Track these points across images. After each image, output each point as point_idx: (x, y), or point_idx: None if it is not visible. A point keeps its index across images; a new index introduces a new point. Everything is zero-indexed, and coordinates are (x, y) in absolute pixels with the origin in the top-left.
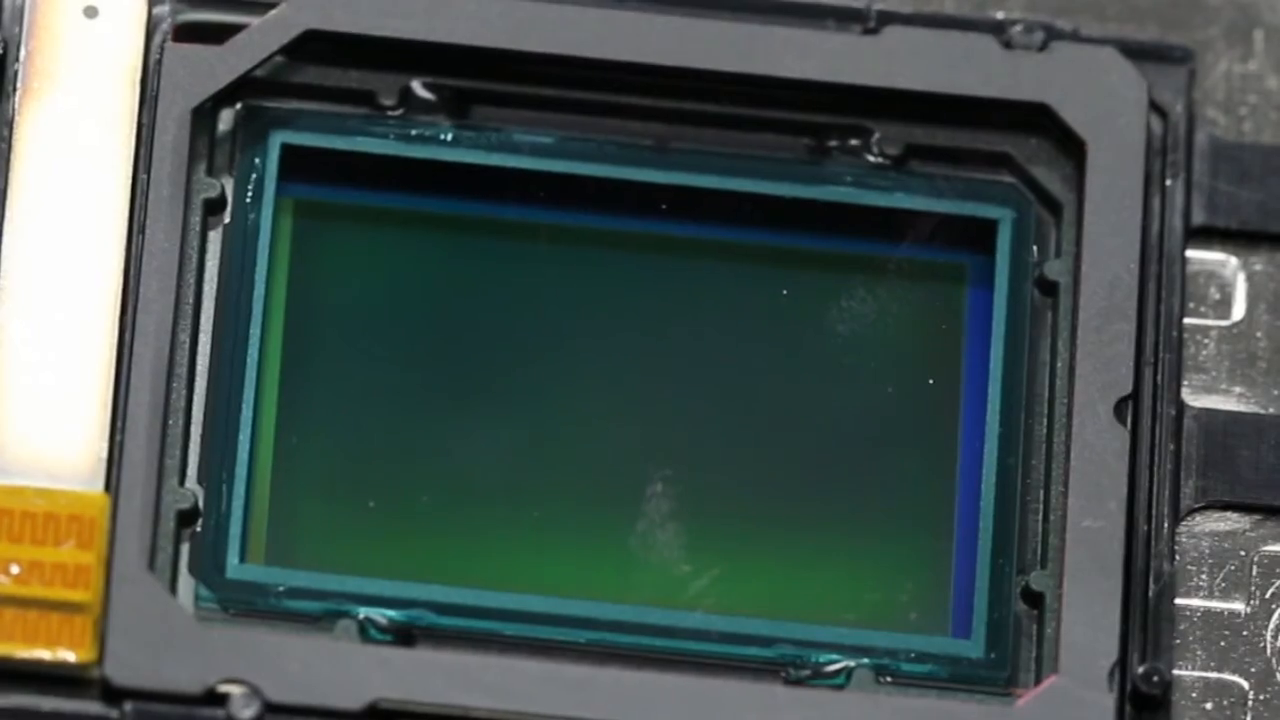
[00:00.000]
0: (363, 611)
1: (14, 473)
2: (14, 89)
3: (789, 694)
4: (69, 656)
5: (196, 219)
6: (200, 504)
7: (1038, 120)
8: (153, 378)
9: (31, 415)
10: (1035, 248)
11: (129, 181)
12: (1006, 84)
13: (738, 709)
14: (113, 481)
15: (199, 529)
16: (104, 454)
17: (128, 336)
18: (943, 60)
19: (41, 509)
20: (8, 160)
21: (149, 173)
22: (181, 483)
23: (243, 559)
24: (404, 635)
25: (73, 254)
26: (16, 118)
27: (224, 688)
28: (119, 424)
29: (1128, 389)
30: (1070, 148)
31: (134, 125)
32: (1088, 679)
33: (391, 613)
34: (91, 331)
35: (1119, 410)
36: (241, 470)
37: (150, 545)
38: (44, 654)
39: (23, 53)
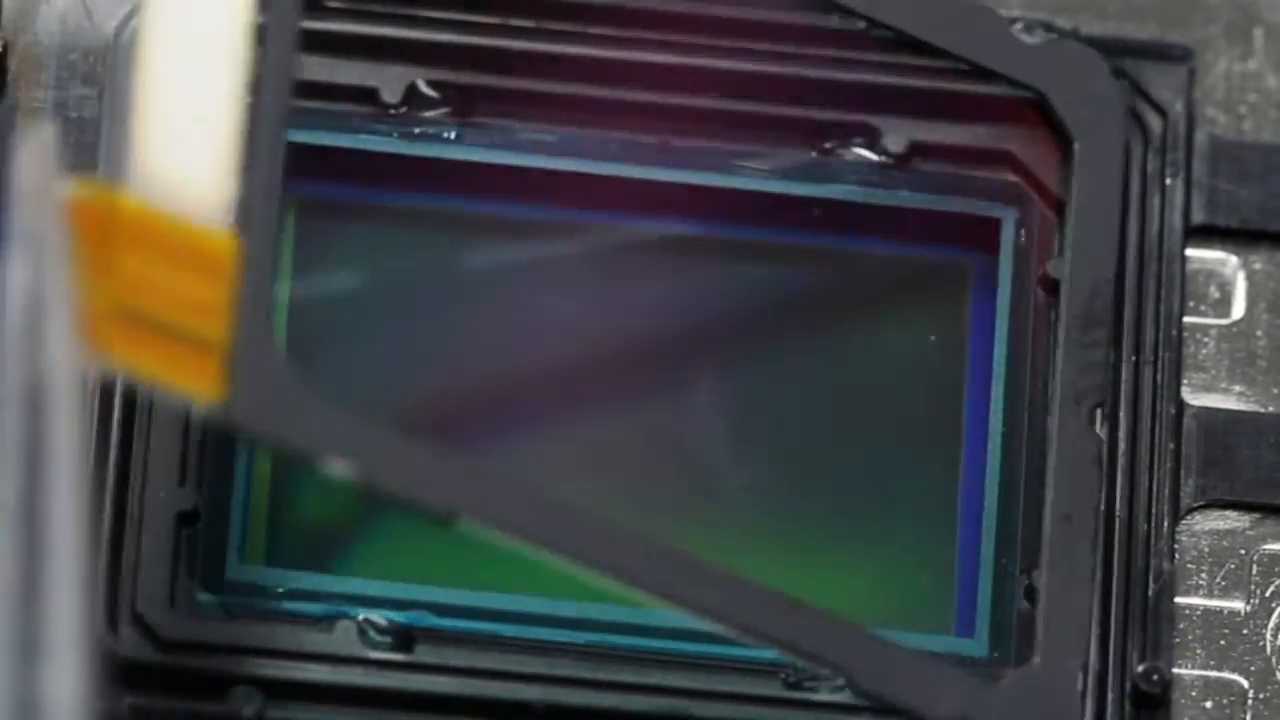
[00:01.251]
0: (362, 613)
1: (149, 191)
2: None
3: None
4: (195, 389)
5: None
6: (200, 505)
7: (1032, 113)
8: (273, 139)
9: (169, 140)
10: (1038, 246)
11: None
12: (1008, 63)
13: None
14: (241, 227)
15: (198, 529)
16: (231, 195)
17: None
18: (951, 20)
19: (179, 237)
20: None
21: None
22: (181, 483)
23: (242, 559)
24: (403, 637)
25: None
26: None
27: (332, 460)
28: (247, 170)
29: (1103, 395)
30: (1061, 144)
31: None
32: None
33: (391, 614)
34: (224, 68)
35: (1094, 415)
36: (241, 470)
37: (268, 303)
38: (171, 380)
39: None
